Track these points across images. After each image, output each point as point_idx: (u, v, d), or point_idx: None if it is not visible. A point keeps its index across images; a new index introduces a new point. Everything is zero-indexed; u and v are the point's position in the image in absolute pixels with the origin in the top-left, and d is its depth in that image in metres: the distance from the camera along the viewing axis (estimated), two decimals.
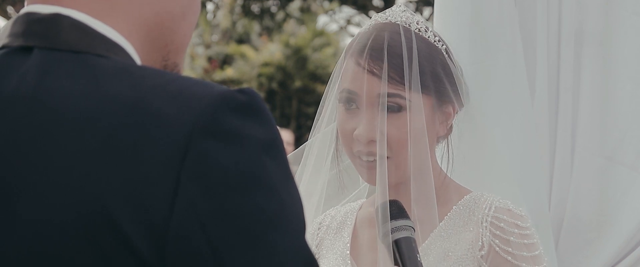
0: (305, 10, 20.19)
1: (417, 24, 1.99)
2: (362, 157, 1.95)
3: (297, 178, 2.12)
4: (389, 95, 1.93)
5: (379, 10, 17.83)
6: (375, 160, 1.94)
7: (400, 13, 2.01)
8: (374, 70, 1.93)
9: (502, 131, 2.30)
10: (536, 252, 1.95)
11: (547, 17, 2.45)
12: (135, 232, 1.00)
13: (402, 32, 1.96)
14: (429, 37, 1.99)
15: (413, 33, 1.97)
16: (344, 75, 2.00)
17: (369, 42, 1.96)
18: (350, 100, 1.97)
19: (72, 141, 1.03)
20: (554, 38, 2.45)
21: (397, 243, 1.85)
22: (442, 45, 2.00)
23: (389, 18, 2.01)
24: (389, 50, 1.94)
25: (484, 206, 1.96)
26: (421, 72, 1.94)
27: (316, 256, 2.09)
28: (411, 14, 2.02)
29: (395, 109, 1.94)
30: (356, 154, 1.96)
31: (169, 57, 1.18)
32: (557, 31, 2.46)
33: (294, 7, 19.67)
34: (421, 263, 1.84)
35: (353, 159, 1.99)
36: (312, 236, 2.12)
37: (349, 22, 20.95)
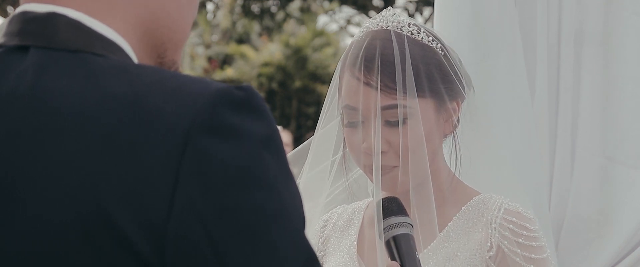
0: (305, 10, 20.19)
1: (409, 26, 1.98)
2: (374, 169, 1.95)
3: (301, 175, 2.13)
4: (389, 107, 1.93)
5: (379, 10, 17.82)
6: (387, 170, 1.95)
7: (391, 17, 2.00)
8: (371, 82, 1.93)
9: (502, 131, 2.30)
10: (544, 255, 1.95)
11: (547, 17, 2.45)
12: (134, 231, 1.00)
13: (393, 38, 1.95)
14: (422, 38, 1.98)
15: (405, 37, 1.96)
16: (344, 90, 2.00)
17: (362, 53, 1.95)
18: (352, 116, 1.97)
19: (70, 139, 1.02)
20: (554, 38, 2.45)
21: (395, 239, 1.85)
22: (437, 44, 1.99)
23: (381, 24, 1.99)
24: (382, 59, 1.93)
25: (493, 208, 1.97)
26: (417, 77, 1.93)
27: (321, 253, 2.10)
28: (402, 17, 2.01)
29: (396, 118, 1.93)
30: (368, 165, 1.97)
31: (167, 55, 1.18)
32: (557, 31, 2.45)
33: (294, 7, 19.67)
34: (419, 260, 1.84)
35: (366, 171, 1.99)
36: (318, 233, 2.13)
37: (349, 22, 20.95)
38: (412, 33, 1.97)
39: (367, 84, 1.94)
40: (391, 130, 1.94)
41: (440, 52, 1.99)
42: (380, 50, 1.94)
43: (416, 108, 1.93)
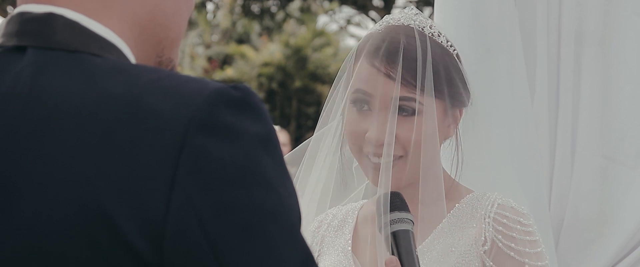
0: (305, 10, 20.21)
1: (431, 28, 2.01)
2: (371, 158, 1.96)
3: (301, 174, 2.13)
4: (404, 98, 1.94)
5: (379, 10, 17.83)
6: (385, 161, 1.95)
7: (413, 16, 2.02)
8: (391, 73, 1.94)
9: (502, 131, 2.29)
10: (538, 249, 1.96)
11: (547, 17, 2.45)
12: (132, 229, 1.01)
13: (417, 35, 1.98)
14: (442, 41, 2.00)
15: (427, 37, 1.98)
16: (357, 75, 2.00)
17: (385, 44, 1.97)
18: (363, 102, 1.98)
19: (69, 137, 1.03)
20: (554, 38, 2.45)
21: (395, 235, 1.85)
22: (454, 50, 2.02)
23: (402, 20, 2.01)
24: (404, 53, 1.95)
25: (487, 203, 1.98)
26: (435, 76, 1.96)
27: (316, 253, 2.11)
28: (424, 18, 2.03)
29: (409, 112, 1.95)
30: (365, 154, 1.97)
31: (164, 53, 1.18)
32: (557, 31, 2.45)
33: (294, 7, 19.69)
34: (418, 257, 1.84)
35: (360, 159, 2.00)
36: (313, 234, 2.14)
37: (349, 22, 20.98)
38: (433, 35, 2.00)
39: (386, 74, 1.95)
40: (400, 123, 1.94)
41: (456, 58, 2.02)
42: (403, 44, 1.96)
43: (430, 106, 1.95)
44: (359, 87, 1.98)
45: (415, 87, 1.94)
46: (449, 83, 1.98)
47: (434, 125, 1.95)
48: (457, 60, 2.02)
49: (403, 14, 2.03)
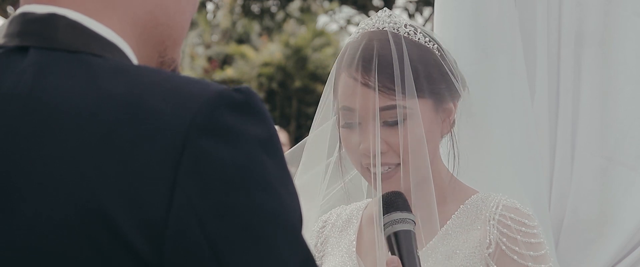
0: (305, 10, 20.19)
1: (405, 27, 1.99)
2: (371, 169, 1.95)
3: (296, 176, 2.13)
4: (387, 107, 1.93)
5: (379, 10, 17.79)
6: (386, 171, 1.95)
7: (387, 18, 2.00)
8: (369, 82, 1.93)
9: (502, 131, 2.30)
10: (542, 252, 1.96)
11: (547, 17, 2.45)
12: (132, 230, 1.01)
13: (390, 38, 1.96)
14: (419, 39, 1.98)
15: (402, 38, 1.96)
16: (339, 90, 2.00)
17: (359, 54, 1.95)
18: (350, 117, 1.97)
19: (69, 138, 1.03)
20: (554, 38, 2.45)
21: (396, 235, 1.85)
22: (433, 44, 2.00)
23: (377, 25, 2.00)
24: (379, 59, 1.93)
25: (492, 205, 1.97)
26: (415, 77, 1.94)
27: (320, 254, 2.10)
28: (398, 18, 2.01)
29: (396, 119, 1.93)
30: (366, 166, 1.96)
31: (166, 53, 1.18)
32: (557, 31, 2.45)
33: (294, 7, 19.66)
34: (419, 258, 1.84)
35: (363, 172, 1.99)
36: (317, 234, 2.13)
37: (349, 22, 20.94)
38: (408, 34, 1.98)
39: (365, 84, 1.93)
40: (390, 131, 1.94)
41: (436, 52, 1.99)
42: (377, 51, 1.94)
43: (416, 108, 1.93)
44: (344, 104, 1.97)
45: (395, 92, 1.92)
46: (431, 80, 1.96)
47: (420, 126, 1.94)
48: (438, 54, 1.99)
49: (376, 18, 2.02)
